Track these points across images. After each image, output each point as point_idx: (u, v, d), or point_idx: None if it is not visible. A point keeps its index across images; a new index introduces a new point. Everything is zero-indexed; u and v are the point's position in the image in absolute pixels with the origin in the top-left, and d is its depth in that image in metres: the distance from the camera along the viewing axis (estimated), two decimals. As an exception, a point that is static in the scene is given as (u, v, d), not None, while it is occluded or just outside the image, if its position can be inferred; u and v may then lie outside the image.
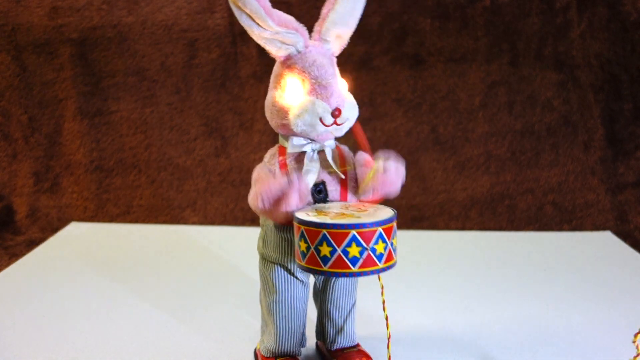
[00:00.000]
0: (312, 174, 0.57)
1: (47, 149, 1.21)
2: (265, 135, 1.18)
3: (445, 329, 0.74)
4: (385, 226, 0.50)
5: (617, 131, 1.18)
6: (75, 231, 1.14)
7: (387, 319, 0.56)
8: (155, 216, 1.19)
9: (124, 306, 0.79)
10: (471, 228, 1.16)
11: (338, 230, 0.49)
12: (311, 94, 0.55)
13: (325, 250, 0.50)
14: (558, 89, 1.17)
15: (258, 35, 0.55)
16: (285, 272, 0.60)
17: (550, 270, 0.93)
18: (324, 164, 0.58)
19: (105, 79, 1.18)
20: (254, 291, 0.84)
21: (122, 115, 1.19)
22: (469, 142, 1.18)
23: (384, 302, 0.56)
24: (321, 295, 0.64)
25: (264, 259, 0.62)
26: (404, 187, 0.58)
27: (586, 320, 0.76)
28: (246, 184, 1.19)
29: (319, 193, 0.58)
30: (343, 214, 0.53)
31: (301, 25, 0.56)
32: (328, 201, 0.58)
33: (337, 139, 0.60)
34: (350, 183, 0.59)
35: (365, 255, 0.50)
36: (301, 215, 0.52)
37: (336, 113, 0.54)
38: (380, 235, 0.50)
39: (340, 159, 0.60)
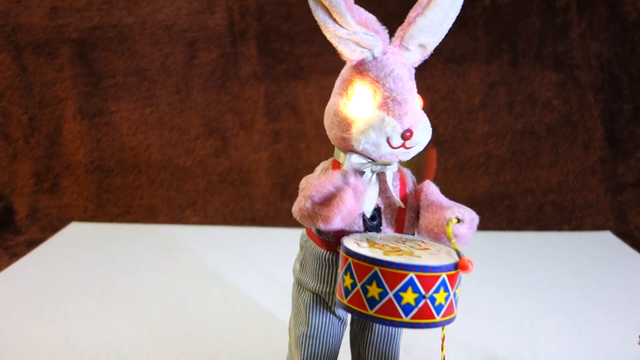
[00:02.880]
0: (368, 199, 0.49)
1: (47, 149, 1.21)
2: (265, 135, 1.18)
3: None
4: (451, 272, 0.42)
5: (617, 131, 1.18)
6: (75, 231, 1.14)
7: None
8: (155, 216, 1.19)
9: (124, 306, 0.79)
10: (471, 228, 1.16)
11: (394, 270, 0.41)
12: (382, 109, 0.47)
13: (374, 291, 0.42)
14: (558, 89, 1.17)
15: (332, 32, 0.47)
16: (322, 304, 0.53)
17: (550, 270, 0.93)
18: (382, 188, 0.50)
19: (105, 79, 1.18)
20: (253, 291, 0.85)
21: (122, 115, 1.19)
22: (469, 142, 1.18)
23: (443, 349, 0.48)
24: (360, 338, 0.56)
25: (299, 285, 0.54)
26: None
27: (586, 320, 0.76)
28: (246, 184, 1.19)
29: (372, 220, 0.50)
30: (399, 250, 0.45)
31: (383, 27, 0.48)
32: (381, 231, 0.50)
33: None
34: (410, 213, 0.51)
35: (421, 304, 0.41)
36: (350, 244, 0.45)
37: (407, 135, 0.47)
38: (443, 283, 0.42)
39: (401, 185, 0.52)
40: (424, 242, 0.48)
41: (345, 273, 0.44)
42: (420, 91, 0.51)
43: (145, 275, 0.91)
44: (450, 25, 0.50)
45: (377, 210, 0.50)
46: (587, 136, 1.18)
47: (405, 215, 0.51)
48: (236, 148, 1.19)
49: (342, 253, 0.44)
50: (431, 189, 0.51)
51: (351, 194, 0.44)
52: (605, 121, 1.17)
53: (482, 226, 1.24)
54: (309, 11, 0.47)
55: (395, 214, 0.51)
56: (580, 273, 0.92)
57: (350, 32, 0.46)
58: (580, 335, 0.72)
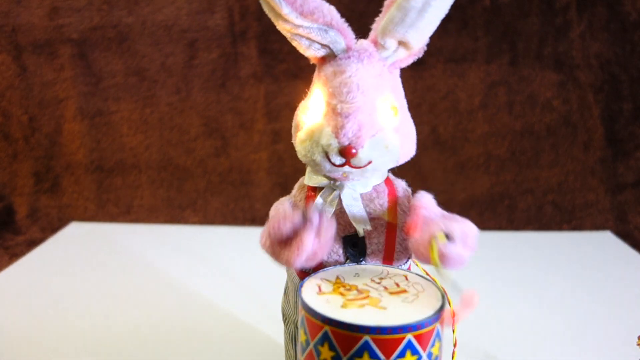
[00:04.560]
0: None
1: (47, 149, 1.21)
2: (265, 135, 1.18)
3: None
4: (418, 332, 0.34)
5: (617, 131, 1.18)
6: (75, 231, 1.14)
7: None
8: (155, 216, 1.19)
9: (123, 306, 0.79)
10: (471, 228, 1.16)
11: (346, 332, 0.33)
12: (325, 118, 0.41)
13: (326, 353, 0.35)
14: (558, 89, 1.16)
15: (281, 27, 0.41)
16: None
17: (550, 270, 0.93)
18: (365, 208, 0.43)
19: (105, 79, 1.18)
20: (254, 291, 0.85)
21: (122, 115, 1.19)
22: (469, 142, 1.18)
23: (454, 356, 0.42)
24: None
25: (285, 317, 0.50)
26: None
27: (586, 321, 0.76)
28: (246, 184, 1.19)
29: (354, 247, 0.43)
30: (367, 295, 0.37)
31: (342, 20, 0.41)
32: (363, 261, 0.43)
33: (391, 170, 0.45)
34: (402, 235, 0.44)
35: None
36: (308, 288, 0.38)
37: (351, 152, 0.39)
38: (410, 345, 0.34)
39: (390, 202, 0.44)
40: (406, 279, 0.41)
41: (301, 326, 0.37)
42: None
43: (145, 275, 0.90)
44: (439, 16, 0.41)
45: (360, 235, 0.43)
46: (587, 136, 1.18)
47: (395, 237, 0.44)
48: (236, 148, 1.19)
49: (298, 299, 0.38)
50: (423, 202, 0.44)
51: (312, 235, 0.39)
52: (605, 121, 1.17)
53: (482, 226, 1.24)
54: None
55: (383, 237, 0.44)
56: (580, 273, 0.92)
57: (294, 25, 0.39)
58: (580, 336, 0.72)
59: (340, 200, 0.43)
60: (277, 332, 0.72)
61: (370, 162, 0.40)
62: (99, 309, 0.78)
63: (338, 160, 0.40)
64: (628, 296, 0.83)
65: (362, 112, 0.40)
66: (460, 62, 1.16)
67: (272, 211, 0.45)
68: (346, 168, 0.40)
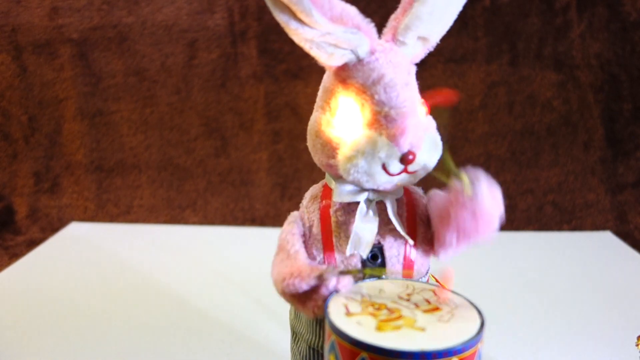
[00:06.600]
0: (366, 239, 0.39)
1: (47, 149, 1.21)
2: (265, 135, 1.18)
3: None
4: (463, 355, 0.31)
5: (617, 131, 1.18)
6: (75, 231, 1.14)
7: None
8: (155, 216, 1.19)
9: (123, 306, 0.79)
10: (471, 228, 1.16)
11: (386, 359, 0.31)
12: (373, 127, 0.37)
13: None
14: (558, 89, 1.16)
15: (300, 36, 0.36)
16: (320, 358, 0.43)
17: (550, 270, 0.93)
18: (384, 218, 0.41)
19: (105, 79, 1.18)
20: (254, 292, 0.85)
21: (122, 115, 1.19)
22: (469, 142, 1.18)
23: None
24: None
25: (294, 334, 0.46)
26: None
27: (586, 321, 0.76)
28: (246, 184, 1.19)
29: (374, 259, 0.41)
30: (399, 316, 0.34)
31: (366, 20, 0.38)
32: (383, 275, 0.41)
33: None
34: (422, 246, 0.42)
35: None
36: (336, 310, 0.35)
37: (409, 158, 0.37)
38: None
39: (409, 213, 0.42)
40: (435, 294, 0.38)
41: (330, 352, 0.34)
42: (420, 92, 0.46)
43: (145, 275, 0.90)
44: (459, 10, 0.40)
45: (379, 247, 0.41)
46: (587, 136, 1.18)
47: (415, 250, 0.42)
48: (236, 148, 1.19)
49: (326, 322, 0.35)
50: (438, 198, 0.42)
51: (327, 297, 0.36)
52: (605, 121, 1.17)
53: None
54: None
55: (402, 248, 0.41)
56: (580, 273, 0.92)
57: (322, 32, 0.36)
58: (580, 336, 0.72)
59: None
60: (277, 333, 0.72)
61: (424, 165, 0.39)
62: (98, 308, 0.78)
63: (397, 169, 0.37)
64: (628, 296, 0.83)
65: (413, 114, 0.38)
66: (460, 62, 1.16)
67: (281, 238, 0.42)
68: (402, 175, 0.38)
